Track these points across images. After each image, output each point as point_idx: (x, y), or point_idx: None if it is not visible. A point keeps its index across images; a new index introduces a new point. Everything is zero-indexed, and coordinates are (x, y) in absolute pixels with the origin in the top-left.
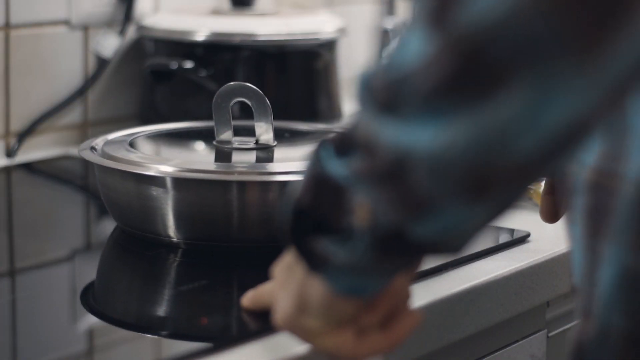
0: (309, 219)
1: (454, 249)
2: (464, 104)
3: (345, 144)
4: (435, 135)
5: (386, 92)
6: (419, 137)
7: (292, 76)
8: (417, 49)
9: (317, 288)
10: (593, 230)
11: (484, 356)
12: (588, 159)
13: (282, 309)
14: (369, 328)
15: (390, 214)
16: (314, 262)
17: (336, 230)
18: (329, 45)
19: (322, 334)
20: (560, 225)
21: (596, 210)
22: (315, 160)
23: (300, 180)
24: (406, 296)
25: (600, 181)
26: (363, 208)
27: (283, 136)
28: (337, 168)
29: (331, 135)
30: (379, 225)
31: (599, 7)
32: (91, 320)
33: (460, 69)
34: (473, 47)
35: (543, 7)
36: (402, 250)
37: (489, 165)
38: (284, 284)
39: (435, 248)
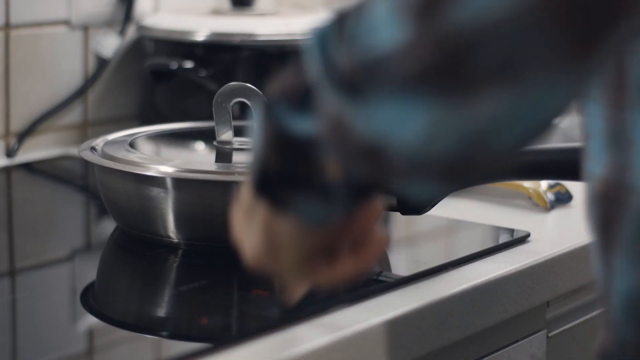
0: (277, 178)
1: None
2: (441, 97)
3: (301, 100)
4: (412, 125)
5: (355, 73)
6: (394, 125)
7: None
8: (393, 34)
9: (284, 224)
10: (605, 242)
11: (484, 356)
12: (598, 170)
13: (251, 249)
14: (340, 254)
15: (364, 175)
16: (283, 207)
17: (307, 185)
18: None
19: (296, 267)
20: (560, 226)
21: (606, 221)
22: (271, 118)
23: (258, 139)
24: (375, 217)
25: (609, 192)
26: (334, 165)
27: None
28: (300, 126)
29: (276, 86)
30: (353, 179)
31: (593, 18)
32: (91, 320)
33: (441, 63)
34: (459, 47)
35: (540, 14)
36: (374, 193)
37: (465, 159)
38: (247, 225)
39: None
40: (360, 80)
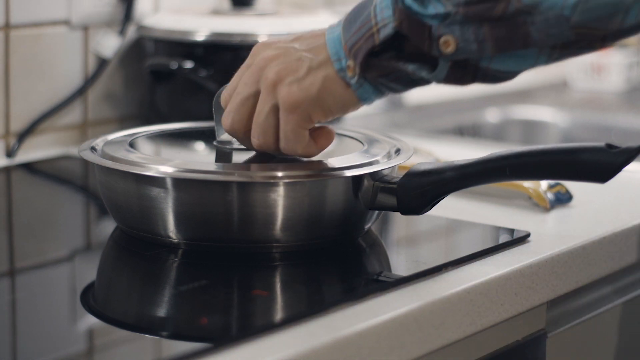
0: (392, 43)
1: (506, 80)
2: None
3: None
4: None
5: None
6: None
7: None
8: None
9: (340, 88)
10: None
11: (484, 356)
12: None
13: (296, 90)
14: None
15: (477, 50)
16: (369, 76)
17: (416, 55)
18: None
19: (301, 126)
20: (560, 226)
21: None
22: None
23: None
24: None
25: None
26: (449, 40)
27: None
28: (427, 9)
29: None
30: (460, 54)
31: None
32: (91, 320)
33: None
34: None
35: None
36: (467, 77)
37: (603, 24)
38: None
39: (493, 80)
40: None
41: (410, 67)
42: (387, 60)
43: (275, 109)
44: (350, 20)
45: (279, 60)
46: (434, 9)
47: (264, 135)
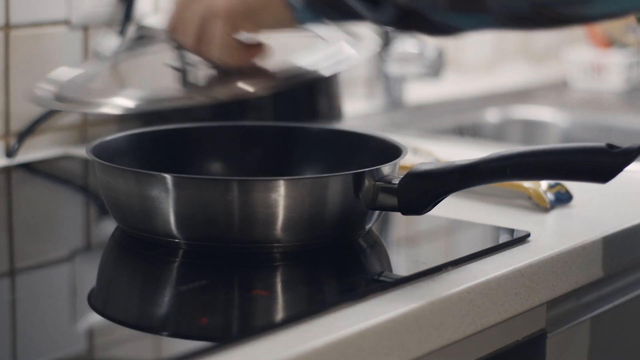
0: None
1: (455, 35)
2: None
3: None
4: None
5: None
6: None
7: None
8: None
9: (279, 6)
10: None
11: (484, 356)
12: None
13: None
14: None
15: (430, 3)
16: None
17: None
18: None
19: (227, 33)
20: (560, 226)
21: None
22: None
23: None
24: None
25: None
26: None
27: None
28: None
29: None
30: (413, 3)
31: None
32: (91, 320)
33: None
34: None
35: None
36: (412, 25)
37: (565, 9)
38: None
39: (441, 32)
40: None
41: (356, 4)
42: None
43: (209, 13)
44: None
45: None
46: None
47: (193, 36)
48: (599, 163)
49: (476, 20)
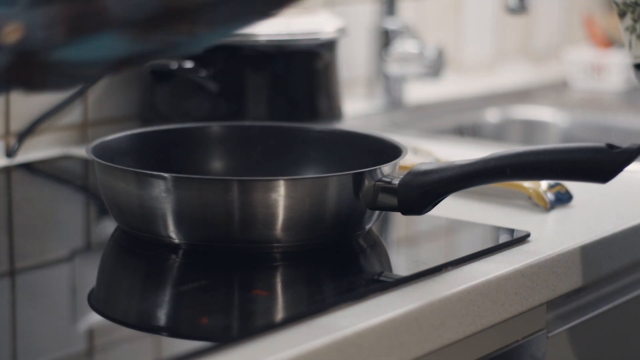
0: None
1: (84, 81)
2: None
3: None
4: None
5: None
6: None
7: (292, 76)
8: None
9: None
10: None
11: (484, 356)
12: None
13: None
14: None
15: (43, 38)
16: None
17: None
18: (329, 45)
19: None
20: (560, 226)
21: None
22: None
23: None
24: None
25: None
26: (15, 28)
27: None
28: None
29: None
30: (26, 44)
31: None
32: (91, 320)
33: None
34: None
35: None
36: (37, 77)
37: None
38: None
39: (71, 80)
40: None
41: None
42: None
43: None
44: None
45: None
46: None
47: None
48: (599, 163)
49: (101, 45)
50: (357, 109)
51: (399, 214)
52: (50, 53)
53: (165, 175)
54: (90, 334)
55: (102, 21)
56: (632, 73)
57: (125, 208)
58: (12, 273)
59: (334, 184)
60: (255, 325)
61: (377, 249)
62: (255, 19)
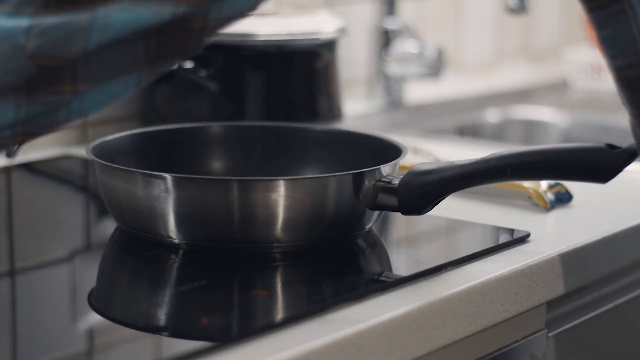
0: None
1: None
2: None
3: None
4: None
5: None
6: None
7: (292, 76)
8: None
9: None
10: None
11: (484, 356)
12: None
13: None
14: None
15: None
16: None
17: None
18: (329, 45)
19: None
20: (560, 226)
21: None
22: None
23: None
24: None
25: None
26: None
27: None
28: None
29: None
30: None
31: None
32: (91, 320)
33: None
34: None
35: None
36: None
37: (63, 52)
38: None
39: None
40: None
41: None
42: None
43: None
44: None
45: None
46: None
47: None
48: (599, 163)
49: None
50: (357, 109)
51: (399, 214)
52: None
53: (165, 175)
54: (90, 334)
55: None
56: None
57: (125, 208)
58: (12, 273)
59: (334, 184)
60: (255, 325)
61: (377, 249)
62: (147, 71)
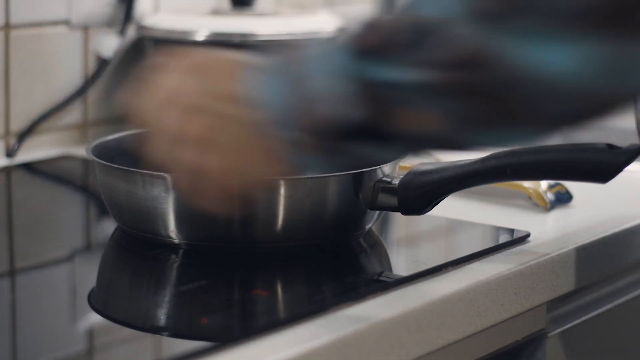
0: (356, 129)
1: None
2: (603, 37)
3: (400, 49)
4: (568, 58)
5: (507, 3)
6: (549, 57)
7: None
8: None
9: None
10: None
11: (484, 356)
12: None
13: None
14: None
15: (461, 126)
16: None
17: (381, 135)
18: None
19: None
20: (560, 226)
21: None
22: (356, 67)
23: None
24: None
25: None
26: (428, 116)
27: None
28: (390, 75)
29: (365, 38)
30: (445, 133)
31: None
32: (91, 320)
33: (614, 9)
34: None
35: None
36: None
37: (607, 92)
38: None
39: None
40: (514, 10)
41: (364, 149)
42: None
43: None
44: None
45: None
46: None
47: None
48: (599, 163)
49: (505, 135)
50: None
51: (399, 214)
52: (451, 136)
53: (165, 175)
54: (90, 334)
55: (517, 118)
56: None
57: (125, 208)
58: (12, 273)
59: (334, 184)
60: (255, 325)
61: (377, 249)
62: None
